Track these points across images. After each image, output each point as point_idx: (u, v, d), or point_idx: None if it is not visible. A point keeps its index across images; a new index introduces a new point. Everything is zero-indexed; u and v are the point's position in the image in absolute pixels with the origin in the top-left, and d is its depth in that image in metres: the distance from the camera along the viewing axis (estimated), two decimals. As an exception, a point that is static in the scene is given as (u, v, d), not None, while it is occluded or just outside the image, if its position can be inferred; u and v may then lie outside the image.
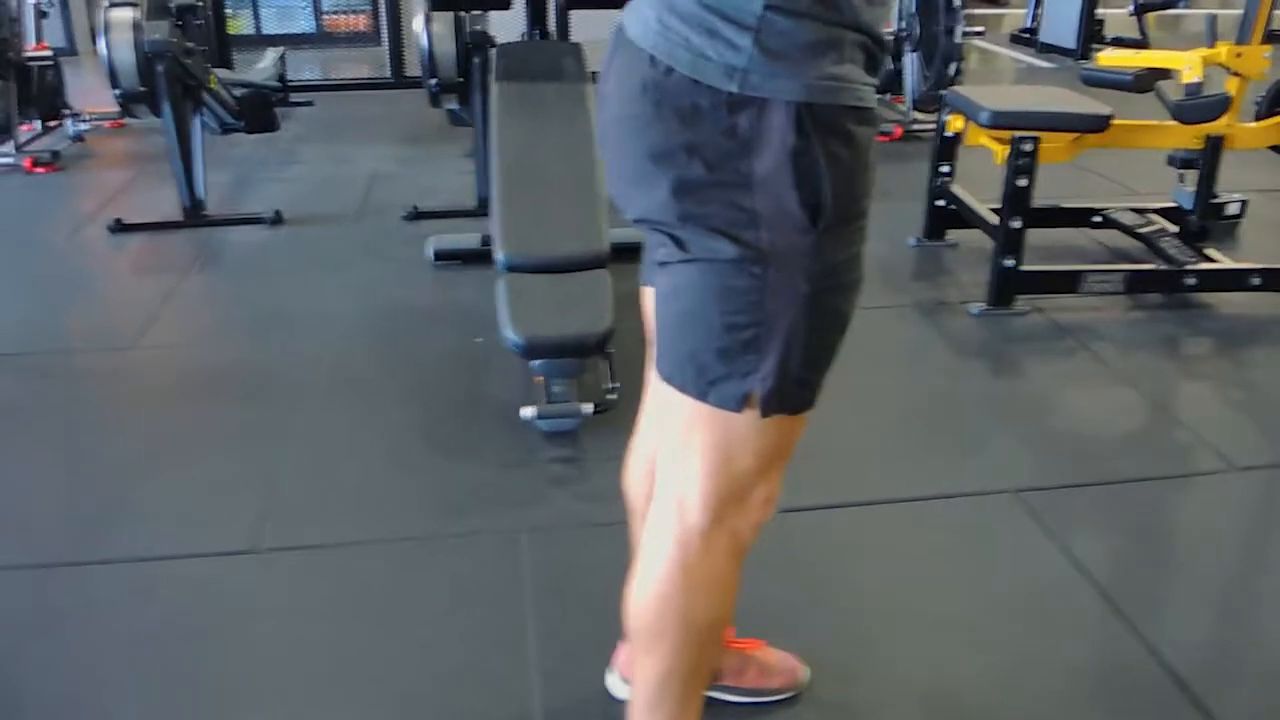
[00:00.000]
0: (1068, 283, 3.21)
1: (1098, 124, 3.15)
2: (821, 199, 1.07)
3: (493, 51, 3.18)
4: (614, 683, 1.73)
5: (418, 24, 3.77)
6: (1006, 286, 3.19)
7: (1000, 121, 3.13)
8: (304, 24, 7.76)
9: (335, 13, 7.79)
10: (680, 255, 1.13)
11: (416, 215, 3.99)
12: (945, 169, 3.64)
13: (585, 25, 5.35)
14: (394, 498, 2.31)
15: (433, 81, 3.78)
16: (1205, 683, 1.76)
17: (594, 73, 4.55)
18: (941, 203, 3.69)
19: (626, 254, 3.36)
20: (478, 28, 3.70)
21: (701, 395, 1.17)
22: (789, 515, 2.21)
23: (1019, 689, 1.78)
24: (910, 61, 5.14)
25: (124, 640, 1.89)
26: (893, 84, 5.27)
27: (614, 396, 2.50)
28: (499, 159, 2.80)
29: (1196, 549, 2.17)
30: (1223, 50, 3.25)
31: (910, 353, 3.02)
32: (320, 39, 7.74)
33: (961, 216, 3.59)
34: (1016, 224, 3.11)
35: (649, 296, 1.27)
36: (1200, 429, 2.57)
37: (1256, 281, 3.23)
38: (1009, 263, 3.16)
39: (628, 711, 1.41)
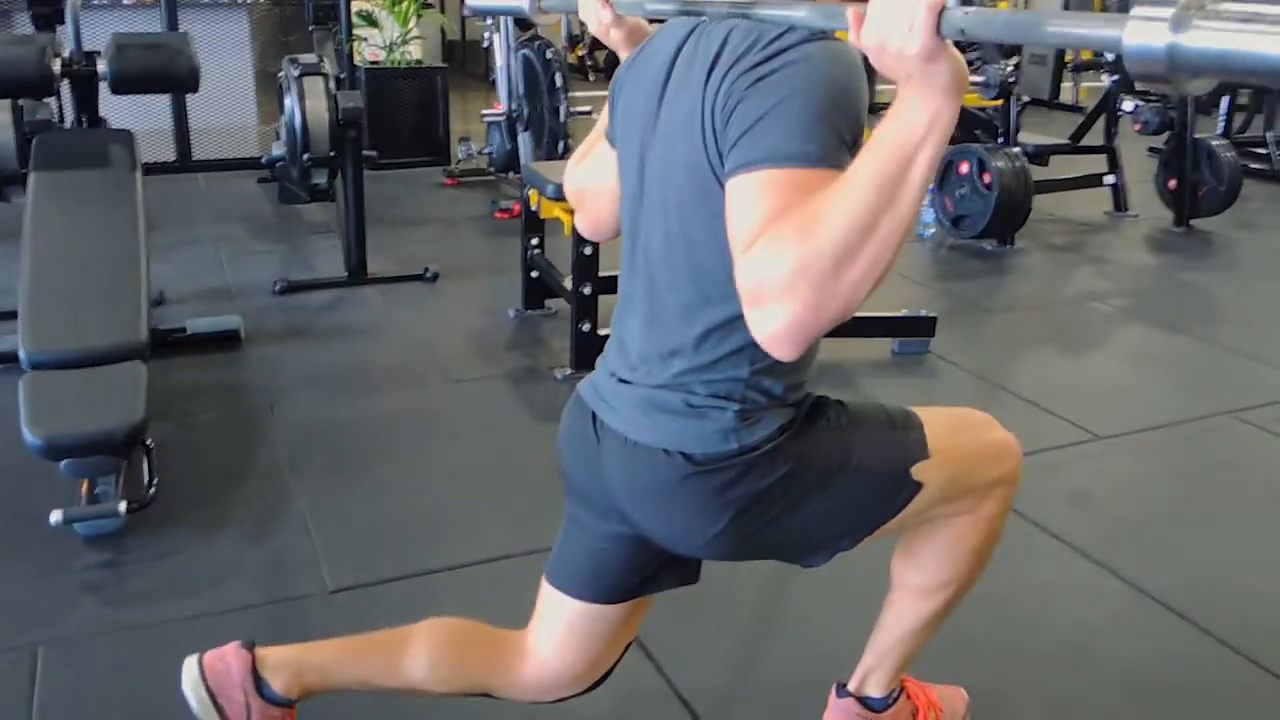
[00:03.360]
0: (644, 343, 3.38)
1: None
2: (829, 469, 1.37)
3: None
4: None
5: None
6: (585, 350, 3.32)
7: (562, 194, 3.26)
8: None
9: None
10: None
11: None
12: (534, 241, 3.77)
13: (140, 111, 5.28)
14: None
15: (-9, 175, 3.53)
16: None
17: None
18: (535, 274, 3.80)
19: (193, 343, 3.35)
20: (40, 116, 3.50)
21: (891, 516, 1.46)
22: (340, 595, 2.20)
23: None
24: (524, 140, 5.31)
25: None
26: (512, 162, 5.43)
27: (153, 490, 2.39)
28: (30, 250, 2.65)
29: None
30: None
31: (491, 422, 3.07)
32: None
33: (550, 286, 3.72)
34: (587, 290, 3.25)
35: (574, 606, 1.56)
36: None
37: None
38: (585, 327, 3.29)
39: (880, 644, 1.68)
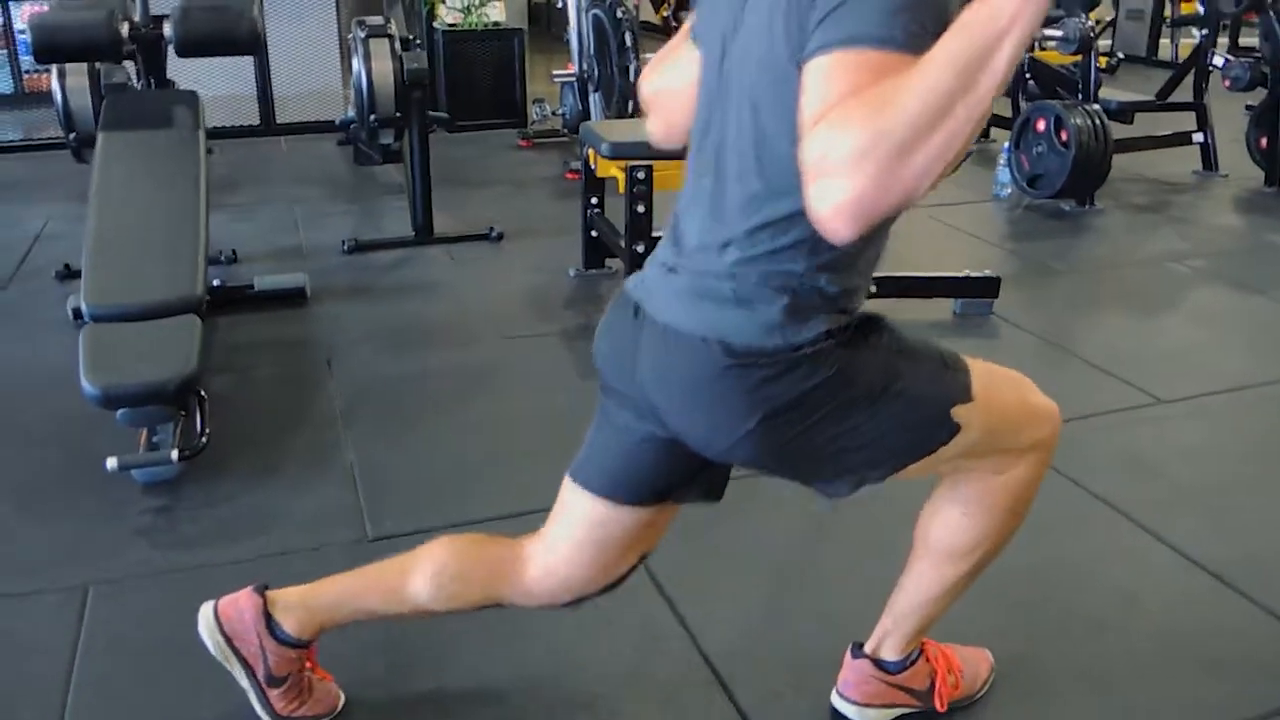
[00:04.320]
0: (698, 302, 3.37)
1: (713, 151, 3.33)
2: (871, 388, 1.35)
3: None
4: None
5: (52, 80, 3.67)
6: (639, 309, 3.33)
7: (618, 153, 3.28)
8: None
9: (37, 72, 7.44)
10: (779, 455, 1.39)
11: (68, 274, 3.85)
12: (594, 201, 3.78)
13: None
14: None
15: (71, 136, 3.67)
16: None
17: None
18: (595, 233, 3.82)
19: (260, 300, 3.45)
20: (116, 79, 3.62)
21: (930, 450, 1.43)
22: (379, 543, 2.26)
23: (557, 686, 1.86)
24: (595, 101, 5.32)
25: None
26: (583, 123, 5.43)
27: (205, 439, 2.48)
28: (94, 208, 2.75)
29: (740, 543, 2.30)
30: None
31: (540, 378, 3.10)
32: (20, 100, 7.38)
33: (609, 246, 3.73)
34: (640, 248, 3.26)
35: (589, 503, 1.56)
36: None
37: (873, 289, 3.46)
38: (638, 286, 3.29)
39: (901, 606, 1.69)
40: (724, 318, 1.29)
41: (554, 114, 5.92)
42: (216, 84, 6.08)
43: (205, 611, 1.66)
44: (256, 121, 6.12)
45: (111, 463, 2.38)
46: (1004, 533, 1.61)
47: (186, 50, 3.11)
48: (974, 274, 3.52)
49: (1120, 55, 8.53)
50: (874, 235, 1.23)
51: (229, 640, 1.64)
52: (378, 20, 3.93)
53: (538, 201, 4.90)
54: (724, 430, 1.34)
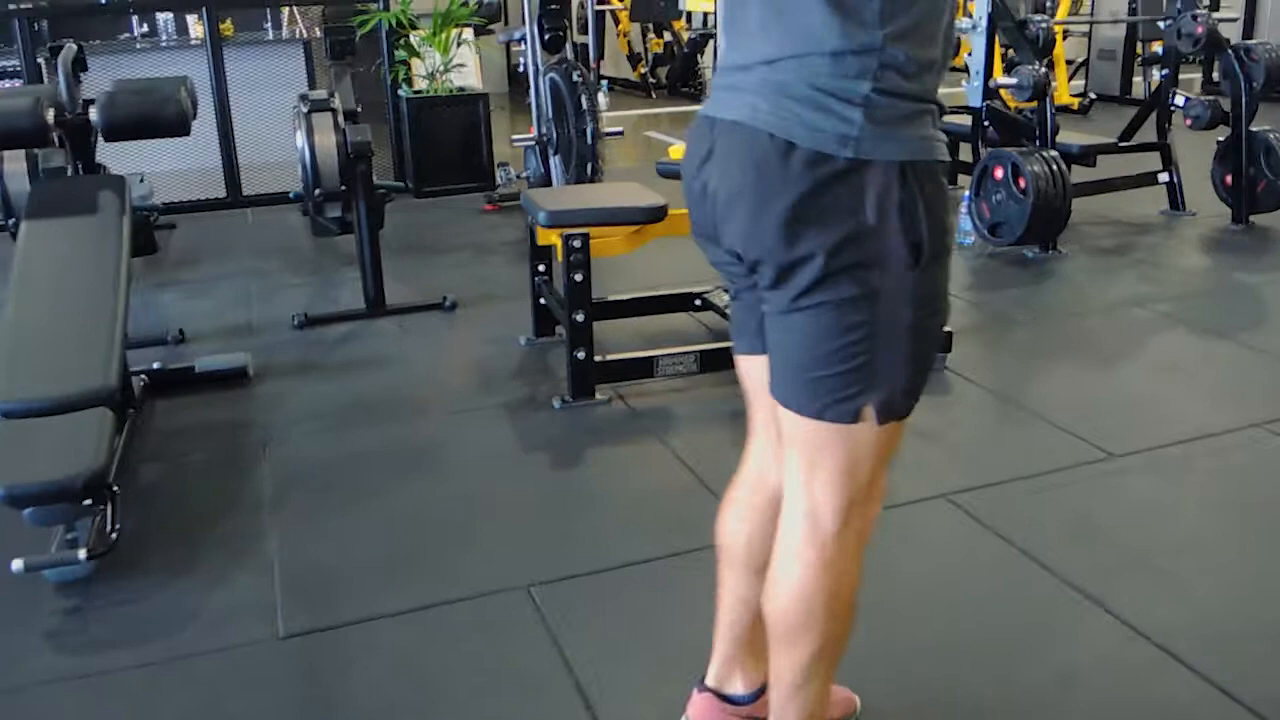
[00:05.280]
0: (644, 368, 3.32)
1: (653, 215, 3.30)
2: (921, 240, 1.29)
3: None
4: None
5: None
6: (583, 378, 3.27)
7: (554, 221, 3.23)
8: None
9: None
10: (804, 302, 1.32)
11: None
12: (541, 268, 3.73)
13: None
14: None
15: (10, 221, 3.65)
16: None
17: (149, 207, 4.56)
18: (543, 301, 3.77)
19: (202, 381, 3.39)
20: (54, 164, 3.59)
21: (820, 415, 1.37)
22: (290, 641, 2.18)
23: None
24: (555, 164, 5.30)
25: None
26: (545, 186, 5.41)
27: (115, 538, 2.41)
28: (13, 300, 2.70)
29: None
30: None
31: (481, 456, 3.02)
32: None
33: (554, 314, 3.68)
34: (580, 316, 3.20)
35: (746, 363, 1.58)
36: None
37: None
38: (580, 355, 3.24)
39: (771, 702, 1.58)
40: (797, 117, 1.28)
41: (519, 177, 5.90)
42: (183, 159, 6.10)
43: None
44: (223, 194, 6.11)
45: (17, 564, 2.31)
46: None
47: (113, 135, 3.09)
48: (925, 329, 3.45)
49: (1093, 95, 8.60)
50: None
51: None
52: (321, 94, 3.92)
53: (498, 267, 4.87)
54: (762, 215, 1.31)
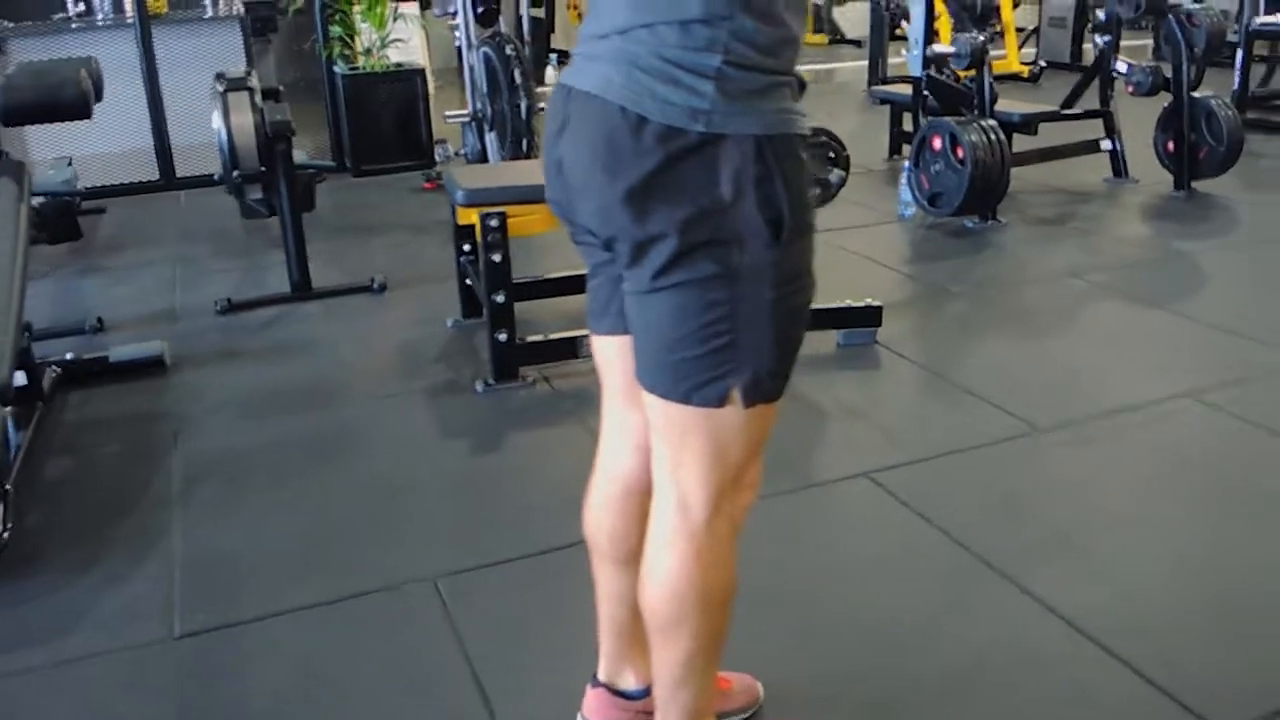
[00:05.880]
0: (568, 349, 3.25)
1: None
2: (781, 216, 1.24)
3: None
4: None
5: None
6: (505, 360, 3.20)
7: (472, 200, 3.15)
8: None
9: None
10: (662, 281, 1.27)
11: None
12: (466, 248, 3.65)
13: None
14: None
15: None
16: None
17: (71, 192, 4.43)
18: (468, 281, 3.69)
19: (116, 372, 3.31)
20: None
21: (685, 399, 1.32)
22: (184, 641, 2.10)
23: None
24: (490, 140, 5.20)
25: None
26: (482, 163, 5.31)
27: (5, 537, 2.33)
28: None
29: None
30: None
31: (398, 442, 2.95)
32: None
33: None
34: (500, 298, 3.13)
35: (604, 344, 1.52)
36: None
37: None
38: (501, 337, 3.17)
39: (655, 698, 1.53)
40: (648, 89, 1.22)
41: (457, 154, 5.80)
42: (115, 141, 5.96)
43: None
44: (156, 176, 5.97)
45: (-96, 568, 2.23)
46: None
47: (11, 119, 2.98)
48: (854, 304, 3.40)
49: (1043, 63, 8.57)
50: None
51: None
52: (238, 73, 3.80)
53: (431, 247, 4.76)
54: (614, 191, 1.26)
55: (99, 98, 3.14)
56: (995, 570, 2.23)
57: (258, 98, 3.77)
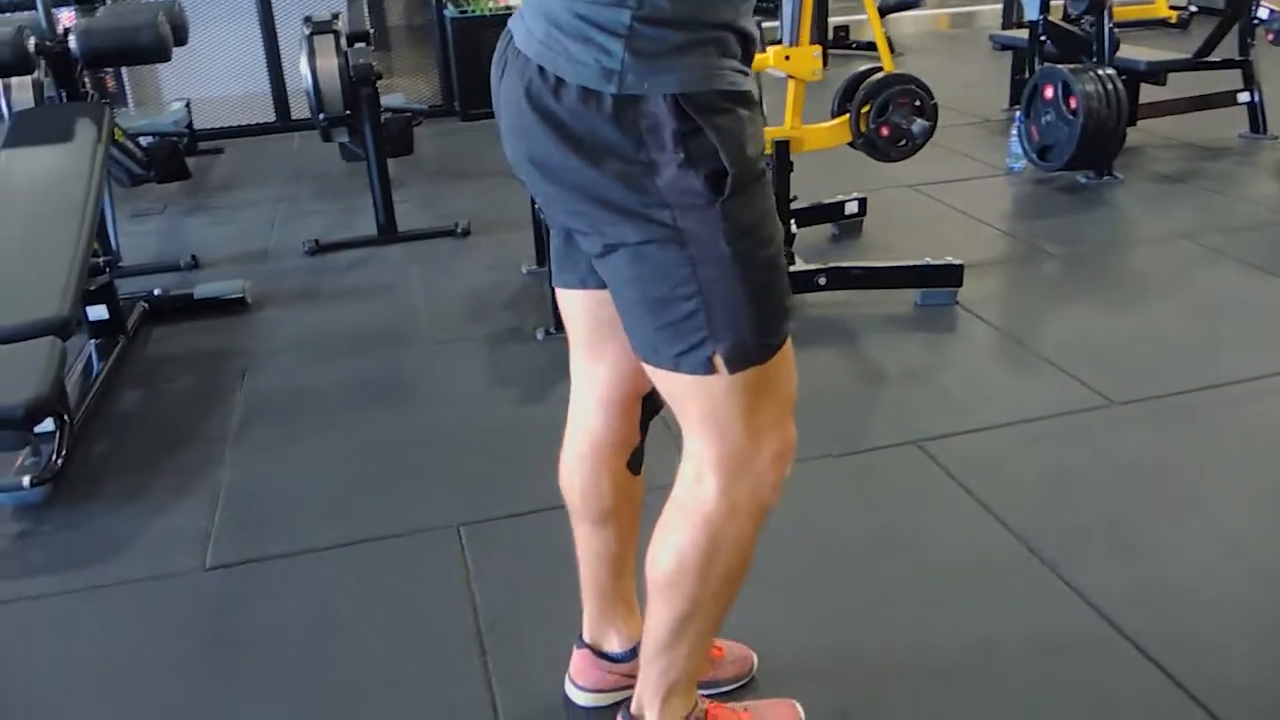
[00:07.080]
0: (631, 301, 3.20)
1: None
2: (718, 171, 1.17)
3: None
4: (571, 691, 1.76)
5: None
6: (566, 310, 3.18)
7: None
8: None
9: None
10: (601, 246, 1.24)
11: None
12: (541, 195, 3.62)
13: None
14: None
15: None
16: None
17: (177, 133, 4.54)
18: (544, 228, 3.67)
19: (200, 309, 3.41)
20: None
21: (675, 367, 1.27)
22: (214, 573, 2.17)
23: None
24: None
25: None
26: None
27: (59, 465, 2.44)
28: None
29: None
30: (771, 54, 3.27)
31: (453, 387, 2.97)
32: None
33: (553, 241, 3.57)
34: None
35: (567, 297, 1.47)
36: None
37: (822, 281, 3.25)
38: (562, 286, 3.14)
39: (640, 657, 1.51)
40: (562, 49, 1.17)
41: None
42: (236, 84, 6.14)
43: None
44: (273, 118, 6.13)
45: (-32, 490, 2.36)
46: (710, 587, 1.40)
47: (93, 63, 3.08)
48: (932, 261, 3.26)
49: (1194, 8, 7.98)
50: None
51: None
52: (324, 16, 3.84)
53: (520, 192, 4.70)
54: (535, 155, 1.22)
55: (181, 41, 3.21)
56: (1032, 551, 2.11)
57: (343, 41, 3.80)
